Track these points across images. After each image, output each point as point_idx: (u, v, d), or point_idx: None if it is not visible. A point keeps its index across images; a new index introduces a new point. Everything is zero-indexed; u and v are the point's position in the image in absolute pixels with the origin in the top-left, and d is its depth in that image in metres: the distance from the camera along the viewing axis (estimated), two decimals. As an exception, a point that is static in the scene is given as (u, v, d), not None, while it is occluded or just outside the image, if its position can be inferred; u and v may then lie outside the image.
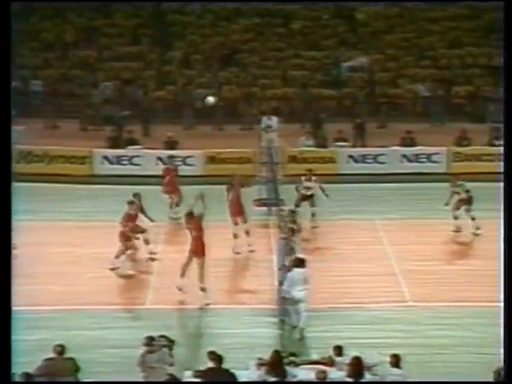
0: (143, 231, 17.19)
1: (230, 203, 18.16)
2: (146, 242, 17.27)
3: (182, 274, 15.37)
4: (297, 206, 18.55)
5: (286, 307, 14.09)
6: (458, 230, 18.29)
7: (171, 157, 21.10)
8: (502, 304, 9.39)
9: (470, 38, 28.79)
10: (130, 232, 16.83)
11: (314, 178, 19.00)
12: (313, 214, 18.86)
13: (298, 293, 13.95)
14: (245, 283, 15.89)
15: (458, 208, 18.34)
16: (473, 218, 18.28)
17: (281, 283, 14.28)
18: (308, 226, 18.51)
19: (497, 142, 23.77)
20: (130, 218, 17.01)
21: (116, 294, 15.85)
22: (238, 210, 17.92)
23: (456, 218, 18.31)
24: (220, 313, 15.14)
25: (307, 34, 29.45)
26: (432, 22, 29.46)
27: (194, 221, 15.43)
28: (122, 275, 16.51)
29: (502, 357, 10.03)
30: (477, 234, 18.15)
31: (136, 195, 17.85)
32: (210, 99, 22.36)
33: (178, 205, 19.31)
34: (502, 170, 10.12)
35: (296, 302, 14.00)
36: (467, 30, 29.00)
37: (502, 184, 9.94)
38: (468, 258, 17.30)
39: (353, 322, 14.77)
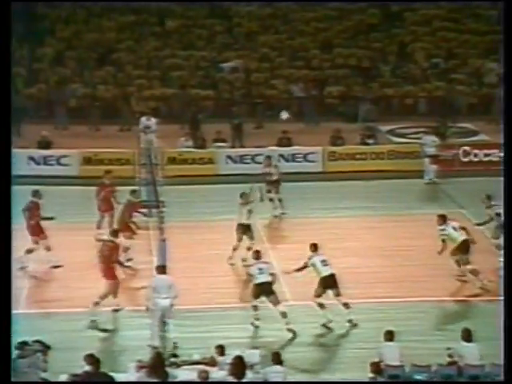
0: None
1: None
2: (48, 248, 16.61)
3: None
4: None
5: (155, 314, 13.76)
6: None
7: (108, 172, 19.02)
8: (502, 303, 9.54)
9: (340, 40, 29.48)
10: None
11: None
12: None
13: (162, 300, 13.66)
14: (124, 284, 15.55)
15: None
16: None
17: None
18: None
19: (369, 141, 24.48)
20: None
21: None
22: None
23: None
24: (96, 316, 14.76)
25: (183, 33, 29.32)
26: (304, 22, 29.97)
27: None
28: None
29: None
30: None
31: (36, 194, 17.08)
32: (284, 115, 21.90)
33: (110, 225, 17.77)
34: (501, 169, 10.33)
35: (161, 309, 13.69)
36: (337, 31, 29.66)
37: (502, 183, 10.09)
38: (345, 256, 17.56)
39: (233, 322, 14.76)
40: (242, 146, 24.64)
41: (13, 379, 11.18)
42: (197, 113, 26.00)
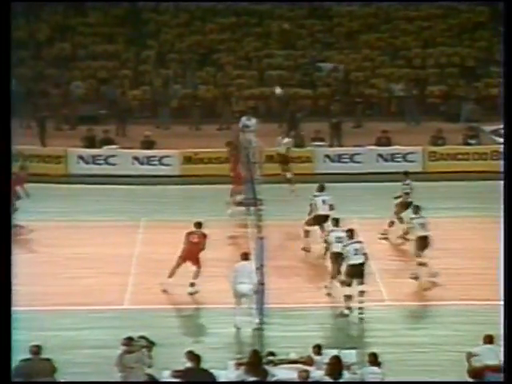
0: None
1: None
2: None
3: (171, 275, 15.59)
4: None
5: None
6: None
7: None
8: (502, 303, 9.48)
9: (444, 38, 29.09)
10: None
11: None
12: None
13: (241, 286, 13.90)
14: (226, 282, 15.82)
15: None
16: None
17: (259, 282, 14.26)
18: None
19: (471, 141, 24.00)
20: None
21: (93, 294, 15.74)
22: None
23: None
24: (199, 312, 15.10)
25: (283, 33, 29.52)
26: (406, 21, 29.70)
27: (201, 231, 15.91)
28: None
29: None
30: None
31: None
32: (278, 90, 22.03)
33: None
34: (502, 169, 10.25)
35: (241, 296, 13.98)
36: (441, 29, 29.30)
37: (502, 183, 10.04)
38: (446, 257, 17.36)
39: (331, 322, 14.79)
40: (341, 145, 24.61)
41: (119, 374, 11.54)
42: (295, 112, 26.12)
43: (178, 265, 15.64)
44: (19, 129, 25.38)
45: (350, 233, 15.17)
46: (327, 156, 23.80)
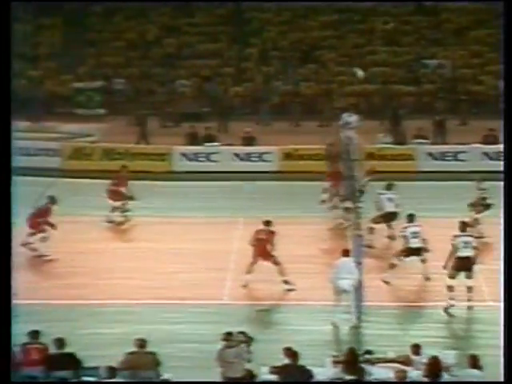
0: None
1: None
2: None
3: (248, 272, 15.83)
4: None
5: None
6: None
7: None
8: (502, 303, 9.26)
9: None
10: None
11: None
12: None
13: (342, 281, 13.99)
14: (323, 279, 15.82)
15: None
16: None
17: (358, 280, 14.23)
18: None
19: None
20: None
21: (193, 289, 16.05)
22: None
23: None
24: (298, 309, 15.17)
25: (387, 30, 29.22)
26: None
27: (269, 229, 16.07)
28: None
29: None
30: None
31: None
32: (360, 73, 21.98)
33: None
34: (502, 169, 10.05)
35: (341, 292, 14.05)
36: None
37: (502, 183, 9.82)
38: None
39: (432, 321, 14.60)
40: (444, 143, 24.18)
41: (220, 369, 11.66)
42: (398, 109, 25.83)
43: (254, 262, 15.85)
44: (125, 127, 26.21)
45: (462, 225, 15.17)
46: (430, 154, 23.42)
